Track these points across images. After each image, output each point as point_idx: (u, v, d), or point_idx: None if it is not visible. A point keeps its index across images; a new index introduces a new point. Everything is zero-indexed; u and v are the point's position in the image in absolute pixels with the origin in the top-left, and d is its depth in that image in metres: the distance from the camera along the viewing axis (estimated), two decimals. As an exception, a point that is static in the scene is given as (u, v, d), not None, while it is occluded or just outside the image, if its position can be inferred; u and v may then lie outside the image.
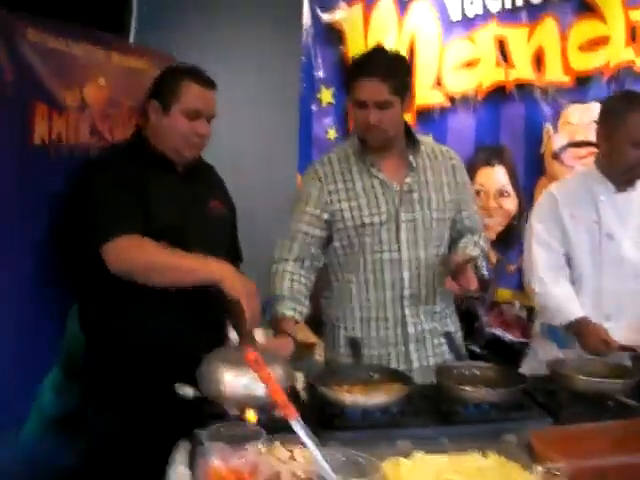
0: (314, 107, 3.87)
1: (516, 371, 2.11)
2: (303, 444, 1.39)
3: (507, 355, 2.55)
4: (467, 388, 1.88)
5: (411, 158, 2.41)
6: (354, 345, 2.20)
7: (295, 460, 1.46)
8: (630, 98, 2.58)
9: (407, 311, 2.38)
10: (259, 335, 2.11)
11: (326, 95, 3.84)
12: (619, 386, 1.96)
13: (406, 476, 1.48)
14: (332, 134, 3.85)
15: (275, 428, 1.57)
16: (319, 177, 2.41)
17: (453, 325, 2.51)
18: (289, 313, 2.27)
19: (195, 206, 2.35)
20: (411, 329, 2.38)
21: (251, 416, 1.65)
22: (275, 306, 2.28)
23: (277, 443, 1.53)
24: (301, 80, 3.87)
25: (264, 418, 1.65)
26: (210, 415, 1.74)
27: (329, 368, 2.16)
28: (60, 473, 2.57)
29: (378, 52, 2.50)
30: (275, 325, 2.27)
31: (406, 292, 2.37)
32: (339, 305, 2.46)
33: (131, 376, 2.27)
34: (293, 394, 1.92)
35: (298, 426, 1.37)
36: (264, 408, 1.68)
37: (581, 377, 1.98)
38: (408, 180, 2.38)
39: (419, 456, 1.57)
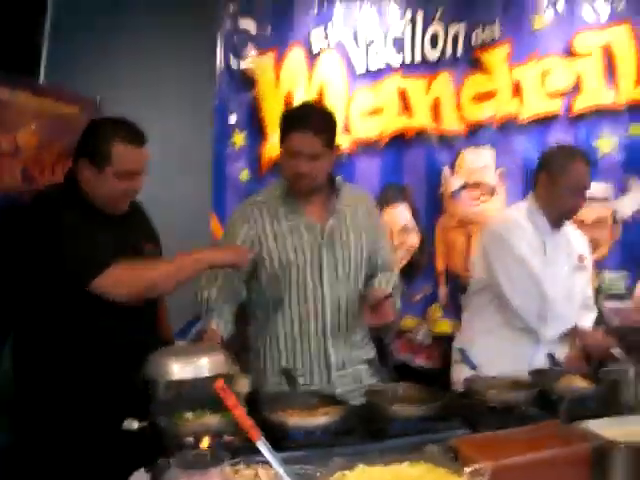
0: (227, 150, 3.89)
1: (435, 389, 2.28)
2: (265, 464, 1.52)
3: (415, 378, 2.75)
4: (395, 406, 2.06)
5: (333, 203, 2.60)
6: (288, 374, 2.31)
7: (258, 477, 1.57)
8: (571, 150, 3.01)
9: (330, 342, 2.55)
10: None
11: (239, 138, 3.88)
12: (522, 397, 2.20)
13: None
14: (245, 176, 3.89)
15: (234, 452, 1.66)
16: (247, 218, 2.56)
17: (372, 352, 2.71)
18: (214, 326, 2.37)
19: (132, 250, 2.42)
20: (333, 358, 2.55)
21: (206, 442, 1.79)
22: (203, 321, 2.40)
23: (241, 465, 1.62)
24: (214, 123, 3.90)
25: (217, 444, 1.76)
26: (162, 447, 1.80)
27: (267, 395, 2.26)
28: None
29: (312, 108, 2.73)
30: (201, 337, 2.34)
31: (328, 325, 2.54)
32: (265, 336, 2.60)
33: (67, 413, 2.29)
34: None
35: (263, 446, 1.48)
36: (217, 434, 1.81)
37: (491, 391, 2.21)
38: (330, 223, 2.57)
39: (361, 468, 1.68)
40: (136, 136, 2.35)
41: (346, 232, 2.60)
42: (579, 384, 2.36)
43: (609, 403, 2.27)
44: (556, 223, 2.94)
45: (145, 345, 2.19)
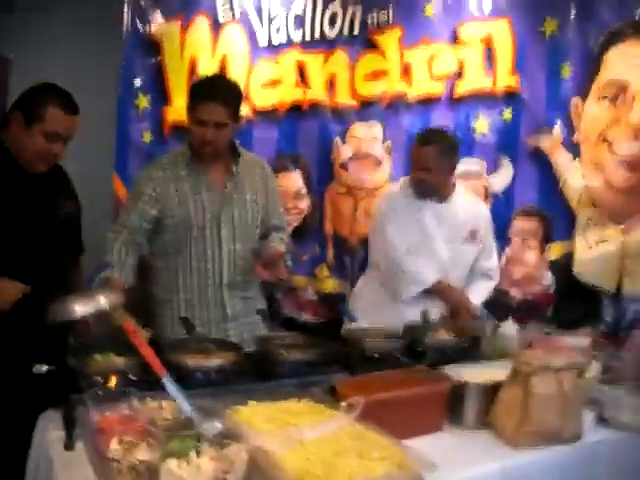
0: (131, 112, 3.93)
1: (318, 338, 2.54)
2: (168, 398, 1.71)
3: (302, 332, 2.99)
4: (282, 351, 2.30)
5: (233, 167, 2.79)
6: (186, 322, 2.49)
7: (163, 409, 1.76)
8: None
9: (226, 295, 2.76)
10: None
11: (143, 101, 3.93)
12: (394, 346, 2.49)
13: (247, 419, 1.79)
14: (147, 137, 3.95)
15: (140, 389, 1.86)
16: (152, 179, 2.72)
17: (262, 304, 2.93)
18: (117, 275, 2.55)
19: (50, 208, 2.53)
20: (228, 310, 2.77)
21: (113, 381, 1.95)
22: (105, 271, 2.55)
23: (148, 398, 1.80)
24: (119, 86, 3.93)
25: (124, 381, 1.95)
26: (73, 387, 1.92)
27: (169, 341, 2.41)
28: None
29: (220, 79, 2.90)
30: (105, 285, 2.49)
31: (225, 279, 2.74)
32: (166, 289, 2.78)
33: None
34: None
35: (168, 381, 1.68)
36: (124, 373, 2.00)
37: (367, 340, 2.49)
38: (229, 186, 2.77)
39: (252, 404, 1.91)
40: (70, 105, 2.46)
41: (243, 194, 2.79)
42: (444, 337, 2.66)
43: (469, 353, 2.57)
44: (422, 196, 3.17)
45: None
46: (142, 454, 1.41)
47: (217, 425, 1.58)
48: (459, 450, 2.00)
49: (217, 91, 2.68)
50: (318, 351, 2.33)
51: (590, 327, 3.61)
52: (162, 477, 1.31)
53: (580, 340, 2.66)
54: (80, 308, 1.98)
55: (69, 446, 1.75)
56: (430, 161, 3.08)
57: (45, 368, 2.03)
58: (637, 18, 3.75)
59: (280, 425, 1.78)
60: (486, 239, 3.33)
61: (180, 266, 2.75)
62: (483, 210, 3.38)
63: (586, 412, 2.19)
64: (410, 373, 2.26)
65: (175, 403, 1.70)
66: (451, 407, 2.15)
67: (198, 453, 1.40)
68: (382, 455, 1.63)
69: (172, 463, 1.34)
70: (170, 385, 1.65)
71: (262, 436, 1.64)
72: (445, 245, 3.18)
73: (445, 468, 1.74)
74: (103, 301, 1.87)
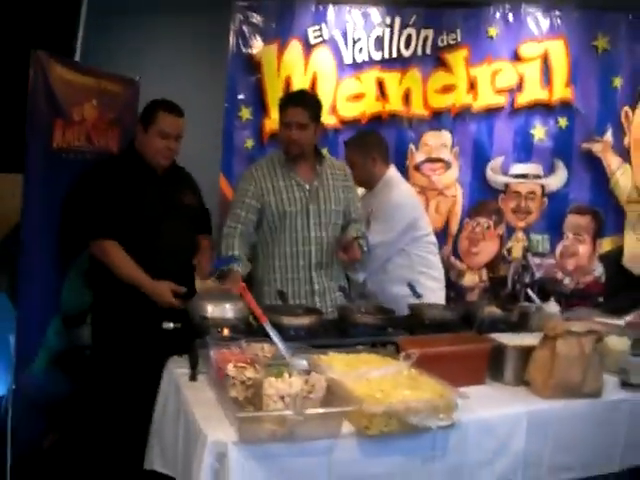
0: (235, 122, 4.36)
1: (389, 307, 2.95)
2: (269, 342, 2.16)
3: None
4: (358, 315, 2.74)
5: (317, 167, 3.22)
6: (282, 295, 2.93)
7: (264, 349, 2.20)
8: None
9: (314, 273, 3.17)
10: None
11: (245, 113, 4.36)
12: (452, 315, 2.90)
13: (328, 364, 2.17)
14: (249, 144, 4.38)
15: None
16: (254, 178, 3.17)
17: (344, 282, 3.33)
18: (237, 268, 2.98)
19: (172, 198, 3.00)
20: (316, 286, 3.17)
21: (226, 332, 2.43)
22: (227, 264, 2.96)
23: (252, 343, 2.25)
24: (225, 100, 4.36)
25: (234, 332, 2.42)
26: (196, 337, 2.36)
27: (267, 307, 2.76)
28: (61, 397, 3.16)
29: (303, 91, 3.44)
30: (224, 276, 2.92)
31: (313, 260, 3.16)
32: (265, 270, 3.20)
33: (127, 319, 2.88)
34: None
35: (269, 326, 2.16)
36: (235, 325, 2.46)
37: (428, 310, 2.92)
38: (315, 182, 3.20)
39: (332, 354, 2.31)
40: (175, 108, 2.97)
41: (327, 190, 3.21)
42: (495, 311, 2.97)
43: (517, 326, 2.89)
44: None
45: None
46: (250, 373, 1.90)
47: (304, 362, 2.04)
48: (494, 397, 2.35)
49: (299, 98, 3.19)
50: (387, 316, 2.77)
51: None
52: (265, 388, 1.79)
53: (617, 321, 3.03)
54: (211, 308, 2.47)
55: (193, 377, 2.27)
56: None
57: (172, 325, 2.48)
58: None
59: (352, 368, 2.19)
60: None
61: (276, 250, 3.16)
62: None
63: (614, 378, 2.52)
64: (460, 337, 2.66)
65: (273, 346, 2.15)
66: (493, 366, 2.49)
67: (290, 375, 1.88)
68: (428, 388, 2.07)
69: (272, 379, 1.82)
70: (270, 328, 2.11)
71: (336, 371, 2.11)
72: None
73: (479, 407, 2.19)
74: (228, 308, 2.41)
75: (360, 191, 3.62)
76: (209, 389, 2.18)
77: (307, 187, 3.18)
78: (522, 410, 2.28)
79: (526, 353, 2.49)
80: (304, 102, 3.15)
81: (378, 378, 2.11)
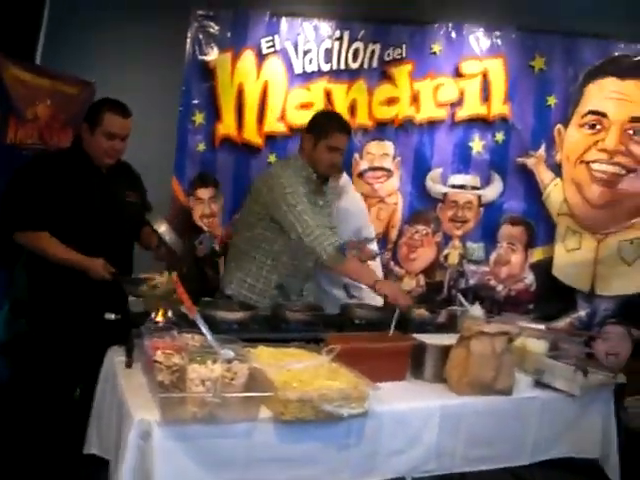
0: (189, 126, 4.48)
1: (317, 305, 3.13)
2: (199, 333, 2.26)
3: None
4: (289, 311, 2.88)
5: (324, 186, 3.31)
6: (282, 288, 3.22)
7: (194, 339, 2.32)
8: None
9: (305, 285, 3.38)
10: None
11: (199, 117, 4.48)
12: (380, 316, 3.01)
13: (256, 356, 2.29)
14: (201, 148, 4.49)
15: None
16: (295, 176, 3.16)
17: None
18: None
19: (114, 195, 3.05)
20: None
21: (160, 317, 2.52)
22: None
23: (183, 333, 2.35)
24: (180, 104, 4.48)
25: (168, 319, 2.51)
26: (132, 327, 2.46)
27: (206, 302, 2.87)
28: (3, 384, 3.25)
29: (340, 115, 3.47)
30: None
31: (308, 273, 3.34)
32: (260, 263, 3.26)
33: (63, 309, 2.93)
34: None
35: (198, 319, 2.25)
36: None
37: (357, 310, 3.06)
38: (320, 202, 3.28)
39: (261, 348, 2.43)
40: (122, 109, 2.97)
41: (328, 207, 3.36)
42: (423, 313, 3.16)
43: (444, 328, 3.07)
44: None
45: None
46: (176, 360, 2.04)
47: (230, 352, 2.16)
48: (411, 392, 2.51)
49: (345, 124, 3.25)
50: (317, 314, 2.92)
51: (565, 320, 4.18)
52: (188, 372, 1.93)
53: (538, 325, 3.21)
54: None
55: (129, 364, 2.39)
56: None
57: (113, 316, 2.58)
58: (612, 57, 4.29)
59: (278, 360, 2.32)
60: None
61: (275, 251, 3.23)
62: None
63: (530, 377, 2.70)
64: (385, 335, 2.77)
65: (202, 337, 2.25)
66: (414, 363, 2.64)
67: (213, 362, 2.01)
68: (344, 380, 2.21)
69: (195, 365, 1.96)
70: (199, 320, 2.21)
71: (260, 362, 2.26)
72: None
73: (395, 400, 2.34)
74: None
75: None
76: (142, 376, 2.30)
77: (320, 210, 3.25)
78: (436, 404, 2.43)
79: (445, 352, 2.63)
80: (348, 129, 3.25)
81: (299, 370, 2.24)
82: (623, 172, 4.28)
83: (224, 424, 1.99)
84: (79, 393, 3.05)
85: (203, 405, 1.93)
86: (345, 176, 3.77)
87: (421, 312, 3.20)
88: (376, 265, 3.76)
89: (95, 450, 2.45)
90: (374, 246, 3.59)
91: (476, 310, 3.15)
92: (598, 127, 4.30)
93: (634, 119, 4.27)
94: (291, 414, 2.05)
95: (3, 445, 3.02)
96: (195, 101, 4.53)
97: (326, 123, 3.24)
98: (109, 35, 4.56)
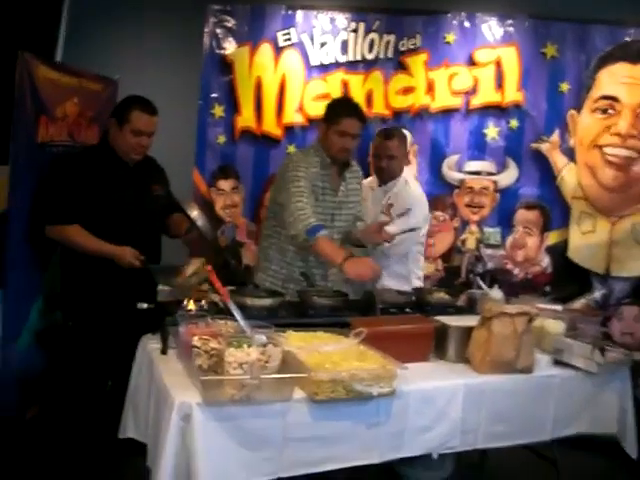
0: (209, 119, 4.54)
1: (343, 291, 3.18)
2: (232, 320, 2.35)
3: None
4: (316, 297, 2.95)
5: (345, 174, 3.39)
6: (306, 276, 3.24)
7: (227, 325, 2.40)
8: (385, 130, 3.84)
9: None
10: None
11: (218, 110, 4.54)
12: (405, 300, 3.12)
13: (286, 340, 2.40)
14: (221, 140, 4.55)
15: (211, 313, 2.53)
16: (307, 164, 3.24)
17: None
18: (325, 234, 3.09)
19: (142, 189, 3.14)
20: (329, 284, 3.39)
21: (191, 305, 2.62)
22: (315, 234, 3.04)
23: (217, 320, 2.44)
24: (199, 98, 4.54)
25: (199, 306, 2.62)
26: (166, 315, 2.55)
27: (235, 289, 2.90)
28: (41, 372, 3.34)
29: (353, 101, 3.47)
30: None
31: None
32: (282, 251, 3.36)
33: (96, 299, 3.03)
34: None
35: (232, 305, 2.34)
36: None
37: (384, 291, 3.16)
38: (342, 188, 3.38)
39: (290, 332, 2.54)
40: (149, 107, 3.05)
41: (348, 196, 3.43)
42: (444, 296, 3.25)
43: (464, 311, 3.15)
44: (380, 181, 3.80)
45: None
46: (214, 344, 2.13)
47: (263, 337, 2.25)
48: (436, 372, 2.60)
49: (356, 109, 3.29)
50: (341, 299, 3.00)
51: (581, 301, 4.24)
52: (226, 356, 2.02)
53: (555, 306, 3.29)
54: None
55: (164, 351, 2.49)
56: (394, 150, 3.66)
57: (146, 305, 2.65)
58: (623, 43, 4.33)
59: (307, 344, 2.43)
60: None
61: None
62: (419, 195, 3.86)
63: (549, 356, 2.77)
64: (409, 318, 2.90)
65: (236, 323, 2.34)
66: (437, 344, 2.72)
67: (249, 346, 2.10)
68: (373, 361, 2.31)
69: (232, 349, 2.05)
70: (234, 307, 2.30)
71: (293, 346, 2.35)
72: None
73: (420, 379, 2.43)
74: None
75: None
76: (178, 362, 2.40)
77: (336, 195, 3.35)
78: (459, 383, 2.52)
79: (467, 333, 2.70)
80: (358, 114, 3.28)
81: (329, 352, 2.34)
82: (636, 155, 4.33)
83: (260, 405, 2.08)
84: (111, 383, 3.15)
85: (241, 387, 2.02)
86: (407, 168, 3.85)
87: (441, 295, 3.29)
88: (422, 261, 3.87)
89: (132, 434, 2.56)
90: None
91: (496, 292, 3.23)
92: (610, 112, 4.34)
93: (646, 103, 4.31)
94: (324, 394, 2.14)
95: (41, 433, 3.15)
96: (214, 94, 4.60)
97: (336, 109, 3.32)
98: (128, 32, 4.68)
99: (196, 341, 2.14)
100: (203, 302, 2.65)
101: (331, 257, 3.06)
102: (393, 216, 3.70)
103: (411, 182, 3.87)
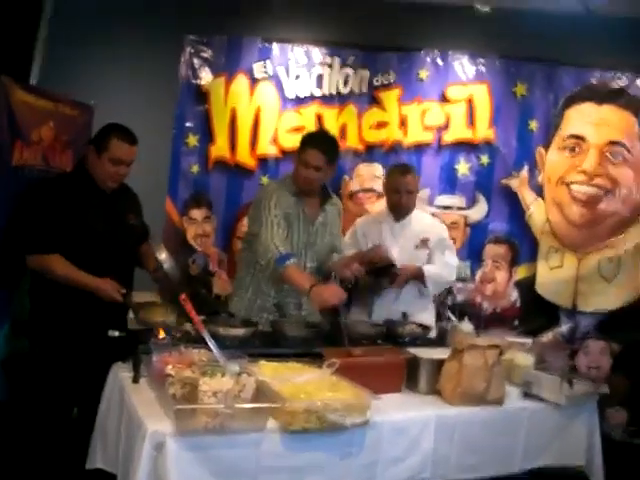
0: (183, 148, 4.57)
1: (314, 322, 3.19)
2: (205, 349, 2.36)
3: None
4: (288, 328, 2.95)
5: (324, 205, 3.39)
6: (279, 307, 3.25)
7: (201, 354, 2.38)
8: (401, 166, 3.77)
9: (304, 299, 3.28)
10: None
11: (192, 140, 4.58)
12: (377, 331, 3.13)
13: (259, 370, 2.39)
14: (195, 169, 4.59)
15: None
16: (276, 195, 3.24)
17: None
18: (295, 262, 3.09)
19: (118, 218, 3.09)
20: (303, 312, 3.34)
21: (162, 333, 2.61)
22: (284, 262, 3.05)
23: (190, 348, 2.43)
24: (174, 127, 4.57)
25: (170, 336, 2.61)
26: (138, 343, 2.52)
27: (207, 318, 2.84)
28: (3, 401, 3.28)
29: (324, 133, 3.53)
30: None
31: None
32: (257, 281, 3.35)
33: (65, 327, 2.93)
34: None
35: (206, 334, 2.36)
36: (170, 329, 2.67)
37: (357, 323, 3.18)
38: (320, 219, 3.37)
39: (263, 362, 2.51)
40: (129, 136, 3.01)
41: (326, 226, 3.42)
42: (415, 329, 3.26)
43: (435, 343, 3.18)
44: (397, 216, 3.71)
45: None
46: (187, 373, 2.12)
47: (236, 366, 2.25)
48: (408, 403, 2.59)
49: (319, 140, 3.30)
50: (314, 330, 3.00)
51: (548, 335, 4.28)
52: (200, 385, 2.00)
53: (525, 340, 3.32)
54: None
55: (136, 379, 2.45)
56: (403, 186, 3.63)
57: (117, 333, 2.64)
58: (590, 84, 4.48)
59: (280, 374, 2.41)
60: (433, 245, 3.77)
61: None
62: (434, 223, 3.89)
63: (518, 389, 2.79)
64: (381, 350, 2.90)
65: (209, 352, 2.34)
66: (409, 376, 2.71)
67: (223, 376, 2.09)
68: (346, 392, 2.29)
69: (206, 378, 2.04)
70: (207, 336, 2.31)
71: (266, 376, 2.34)
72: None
73: (393, 410, 2.43)
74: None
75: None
76: (150, 391, 2.36)
77: (312, 224, 3.34)
78: (431, 414, 2.52)
79: (438, 365, 2.71)
80: (323, 146, 3.25)
81: (303, 382, 2.33)
82: (602, 193, 4.45)
83: (234, 434, 2.06)
84: (77, 411, 3.07)
85: (215, 416, 2.00)
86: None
87: (412, 328, 3.30)
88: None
89: (100, 464, 2.50)
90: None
91: (466, 325, 3.27)
92: (577, 150, 4.46)
93: (612, 142, 4.45)
94: (298, 424, 2.13)
95: (3, 462, 3.05)
96: (189, 124, 4.63)
97: (305, 140, 3.34)
98: (105, 58, 4.66)
99: (170, 370, 2.13)
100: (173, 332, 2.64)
101: (299, 284, 3.07)
102: (430, 248, 3.72)
103: (420, 213, 3.89)
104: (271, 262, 3.10)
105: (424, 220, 3.85)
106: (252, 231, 3.34)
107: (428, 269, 3.64)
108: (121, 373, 2.57)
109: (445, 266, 3.72)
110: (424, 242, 3.73)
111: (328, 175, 3.35)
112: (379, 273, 3.55)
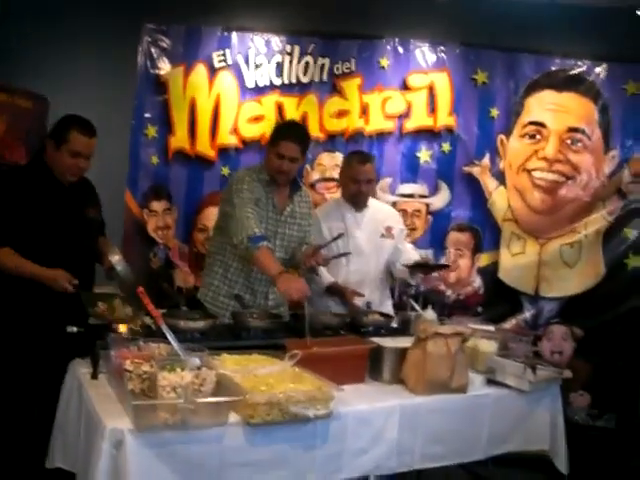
0: (142, 139, 4.50)
1: (277, 313, 3.19)
2: (164, 342, 2.32)
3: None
4: (249, 319, 2.94)
5: (293, 196, 3.39)
6: (239, 298, 3.20)
7: (160, 348, 2.35)
8: (360, 155, 3.77)
9: (270, 289, 3.33)
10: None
11: (151, 131, 4.51)
12: (340, 321, 3.11)
13: (220, 363, 2.38)
14: (154, 160, 4.52)
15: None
16: (249, 181, 3.26)
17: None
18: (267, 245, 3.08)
19: (76, 211, 3.06)
20: (270, 302, 3.36)
21: (123, 328, 2.59)
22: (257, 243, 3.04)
23: (149, 343, 2.39)
24: (133, 118, 4.50)
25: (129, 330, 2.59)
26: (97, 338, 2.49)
27: (167, 312, 2.85)
28: None
29: (296, 125, 3.54)
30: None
31: None
32: (225, 269, 3.34)
33: (23, 323, 2.90)
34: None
35: (164, 327, 2.29)
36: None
37: (320, 313, 3.16)
38: (288, 208, 3.36)
39: (224, 355, 2.50)
40: (88, 128, 2.97)
41: (295, 218, 3.41)
42: (379, 318, 3.27)
43: (399, 332, 3.17)
44: (356, 206, 3.70)
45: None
46: (146, 367, 2.07)
47: (197, 360, 2.21)
48: (371, 393, 2.59)
49: (293, 132, 3.30)
50: (275, 322, 2.99)
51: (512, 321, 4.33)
52: (159, 380, 1.96)
53: (488, 327, 3.34)
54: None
55: (95, 375, 2.41)
56: (363, 175, 3.63)
57: (75, 329, 2.59)
58: (550, 71, 4.51)
59: (242, 366, 2.39)
60: (397, 233, 3.83)
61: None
62: (392, 212, 3.95)
63: (482, 376, 2.81)
64: (343, 339, 2.90)
65: (169, 346, 2.29)
66: (372, 366, 2.72)
67: (182, 370, 2.05)
68: (309, 383, 2.28)
69: (165, 373, 2.00)
70: (166, 330, 2.26)
71: (227, 369, 2.31)
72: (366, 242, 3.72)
73: (356, 401, 2.42)
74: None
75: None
76: (109, 387, 2.32)
77: (281, 214, 3.35)
78: (395, 404, 2.52)
79: (401, 354, 2.71)
80: (298, 137, 3.28)
81: (265, 374, 2.31)
82: (562, 179, 4.49)
83: (195, 430, 2.03)
84: (37, 410, 3.00)
85: (175, 411, 1.97)
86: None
87: (375, 317, 3.30)
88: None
89: (60, 463, 2.46)
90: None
91: (429, 313, 3.27)
92: (538, 137, 4.49)
93: (571, 129, 4.49)
94: (259, 417, 2.10)
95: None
96: (148, 114, 4.56)
97: (278, 131, 3.38)
98: (60, 48, 4.56)
99: (128, 365, 2.09)
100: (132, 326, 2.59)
101: (267, 268, 3.05)
102: (395, 236, 3.77)
103: (376, 202, 3.91)
104: (244, 240, 3.08)
105: (383, 209, 3.89)
106: (224, 212, 3.34)
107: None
108: (80, 369, 2.53)
109: (415, 254, 3.78)
110: (388, 230, 3.75)
111: (300, 165, 3.39)
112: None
